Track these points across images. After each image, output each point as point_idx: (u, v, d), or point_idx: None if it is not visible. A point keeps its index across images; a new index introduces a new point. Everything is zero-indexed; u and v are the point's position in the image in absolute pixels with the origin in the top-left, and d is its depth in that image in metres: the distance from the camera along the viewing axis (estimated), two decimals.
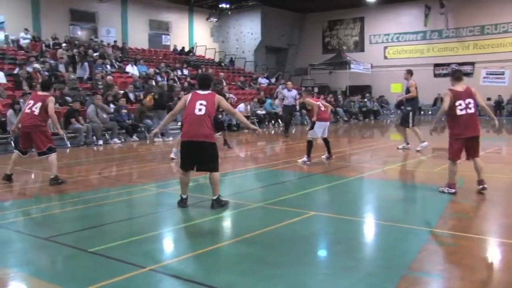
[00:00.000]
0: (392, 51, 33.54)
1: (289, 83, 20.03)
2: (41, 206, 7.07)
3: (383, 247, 4.97)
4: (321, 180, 9.05)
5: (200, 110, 6.28)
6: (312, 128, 10.67)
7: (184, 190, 6.59)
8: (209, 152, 6.37)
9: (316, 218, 6.04)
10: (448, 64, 30.92)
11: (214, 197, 6.48)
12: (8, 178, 8.68)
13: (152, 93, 18.12)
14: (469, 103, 7.08)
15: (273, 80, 30.92)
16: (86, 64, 20.81)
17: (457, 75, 7.37)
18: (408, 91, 12.88)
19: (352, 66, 31.46)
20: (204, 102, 6.31)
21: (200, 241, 5.23)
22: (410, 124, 12.92)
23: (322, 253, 4.99)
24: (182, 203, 6.57)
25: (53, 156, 8.58)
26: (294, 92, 18.32)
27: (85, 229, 5.63)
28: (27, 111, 8.46)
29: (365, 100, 29.53)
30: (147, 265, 4.33)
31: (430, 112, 31.72)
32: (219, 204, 6.46)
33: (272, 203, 6.81)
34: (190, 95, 6.53)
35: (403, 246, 4.94)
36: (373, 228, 5.81)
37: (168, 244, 5.34)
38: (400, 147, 13.07)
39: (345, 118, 26.84)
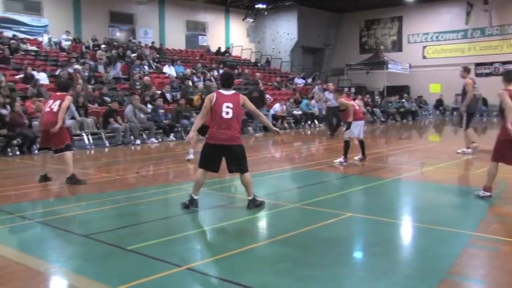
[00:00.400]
0: (431, 51, 32.87)
1: (330, 84, 19.91)
2: (81, 204, 7.23)
3: (422, 250, 4.86)
4: (358, 181, 8.94)
5: (227, 113, 6.25)
6: (348, 128, 10.57)
7: (197, 191, 6.48)
8: (238, 155, 6.37)
9: (353, 220, 5.97)
10: (491, 63, 30.10)
11: (250, 198, 6.47)
12: (45, 178, 8.79)
13: (200, 93, 18.39)
14: None
15: (309, 81, 30.78)
16: (118, 64, 21.14)
17: (510, 77, 7.03)
18: (464, 90, 12.04)
19: (389, 66, 30.96)
20: (230, 105, 6.28)
21: (236, 241, 5.24)
22: (465, 126, 11.94)
23: (358, 254, 4.92)
24: (194, 204, 6.44)
25: (68, 155, 8.62)
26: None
27: (123, 227, 5.72)
28: (47, 109, 8.59)
29: (403, 100, 29.03)
30: (183, 263, 4.36)
31: None
32: (254, 204, 6.45)
33: (309, 204, 6.77)
34: (214, 95, 6.41)
35: (442, 249, 4.81)
36: (411, 231, 5.70)
37: (204, 243, 5.36)
38: (465, 150, 11.91)
39: (382, 119, 26.47)
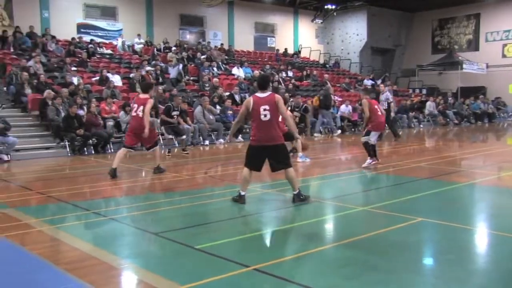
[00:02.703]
0: None
1: (382, 85, 19.13)
2: (151, 203, 7.43)
3: (498, 259, 4.60)
4: (429, 185, 8.60)
5: (265, 116, 6.52)
6: (367, 135, 10.21)
7: (245, 187, 6.84)
8: (281, 153, 6.71)
9: (424, 225, 5.75)
10: None
11: (295, 192, 6.76)
12: (114, 173, 9.33)
13: (318, 95, 19.44)
14: None
15: (379, 82, 30.11)
16: (179, 65, 21.53)
17: None
18: None
19: (464, 66, 29.70)
20: (267, 107, 6.51)
21: (304, 242, 5.20)
22: None
23: (429, 261, 4.73)
24: (242, 199, 6.79)
25: (157, 149, 9.83)
26: (385, 95, 17.09)
27: (191, 226, 5.82)
28: (134, 114, 9.47)
29: (477, 101, 27.75)
30: (250, 264, 4.37)
31: None
32: (299, 199, 6.74)
33: (377, 207, 6.60)
34: (251, 100, 6.67)
35: None
36: (487, 239, 5.41)
37: (272, 244, 5.35)
38: None
39: (456, 121, 25.46)
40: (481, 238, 5.43)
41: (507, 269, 4.27)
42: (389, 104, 16.88)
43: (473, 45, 33.00)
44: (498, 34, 31.75)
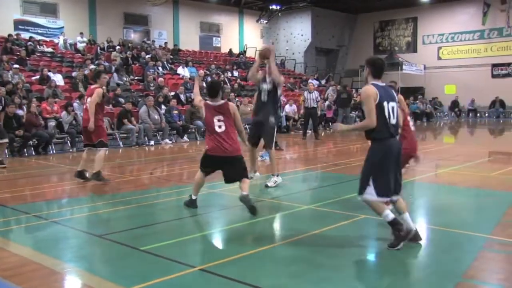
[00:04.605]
0: (446, 52, 32.62)
1: (311, 84, 19.04)
2: (95, 204, 7.28)
3: (436, 253, 4.82)
4: None
5: (219, 127, 6.27)
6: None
7: (196, 191, 6.60)
8: (237, 164, 6.38)
9: (367, 221, 5.92)
10: (509, 64, 29.84)
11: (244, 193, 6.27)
12: (81, 175, 8.84)
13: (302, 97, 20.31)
14: None
15: (323, 82, 30.69)
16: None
17: None
18: None
19: (404, 67, 30.73)
20: (221, 117, 6.29)
21: (250, 242, 5.25)
22: None
23: (371, 257, 4.89)
24: (193, 204, 6.58)
25: (101, 152, 8.71)
26: (315, 94, 17.56)
27: (137, 228, 5.74)
28: (84, 107, 8.91)
29: (417, 102, 28.80)
30: (197, 264, 4.37)
31: (486, 114, 30.67)
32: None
33: (322, 206, 6.74)
34: (203, 107, 6.40)
35: (457, 252, 4.77)
36: (425, 233, 5.63)
37: (218, 244, 5.37)
38: None
39: None
40: (420, 233, 5.64)
41: (444, 261, 4.47)
42: (317, 102, 17.23)
43: (412, 47, 34.21)
44: (434, 37, 33.09)
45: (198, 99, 6.77)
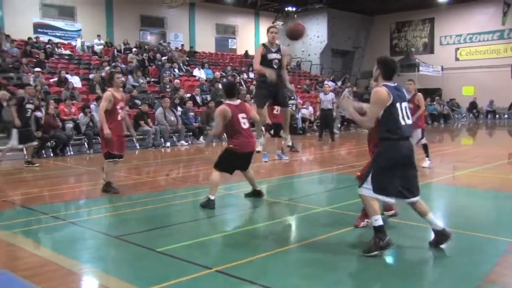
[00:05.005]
0: (464, 52, 32.27)
1: (327, 85, 18.87)
2: (112, 206, 7.33)
3: (455, 256, 4.74)
4: None
5: (244, 124, 6.73)
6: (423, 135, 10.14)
7: (214, 191, 6.75)
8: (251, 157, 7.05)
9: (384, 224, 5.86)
10: None
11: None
12: (108, 187, 8.03)
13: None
14: None
15: (339, 83, 30.56)
16: None
17: None
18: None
19: (421, 68, 30.49)
20: (244, 115, 6.75)
21: (265, 244, 5.24)
22: None
23: (389, 259, 4.84)
24: (211, 204, 6.67)
25: (106, 164, 8.01)
26: (330, 96, 17.29)
27: (153, 229, 5.77)
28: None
29: (434, 103, 28.54)
30: (213, 266, 4.38)
31: (506, 116, 30.25)
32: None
33: (338, 208, 6.71)
34: (228, 109, 6.65)
35: (477, 256, 4.70)
36: None
37: (234, 246, 5.36)
38: None
39: None
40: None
41: (464, 264, 4.42)
42: (333, 104, 17.10)
43: (429, 48, 33.91)
44: (451, 38, 32.74)
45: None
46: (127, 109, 8.32)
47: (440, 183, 8.94)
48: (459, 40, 32.43)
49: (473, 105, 30.35)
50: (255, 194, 7.26)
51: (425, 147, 10.28)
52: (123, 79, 9.30)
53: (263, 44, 8.47)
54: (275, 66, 8.20)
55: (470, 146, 17.11)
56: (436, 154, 13.37)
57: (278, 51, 8.35)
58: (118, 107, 7.84)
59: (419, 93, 10.27)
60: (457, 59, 32.51)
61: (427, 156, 10.25)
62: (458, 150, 14.61)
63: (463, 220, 6.16)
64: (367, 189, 4.71)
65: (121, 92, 8.25)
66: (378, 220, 4.64)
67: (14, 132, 11.45)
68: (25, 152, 12.07)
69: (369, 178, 4.69)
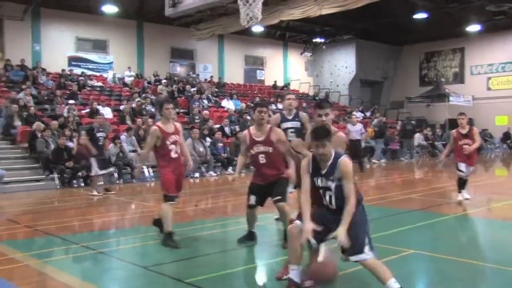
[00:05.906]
0: (496, 82, 31.76)
1: (354, 116, 18.92)
2: (141, 236, 7.34)
3: None
4: (420, 216, 8.60)
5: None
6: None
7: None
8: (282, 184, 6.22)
9: (416, 257, 5.74)
10: None
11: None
12: (157, 223, 7.10)
13: (372, 126, 22.32)
14: None
15: (368, 114, 30.43)
16: None
17: None
18: None
19: (451, 98, 30.08)
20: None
21: None
22: None
23: None
24: (252, 237, 6.41)
25: (163, 206, 6.81)
26: (359, 126, 17.41)
27: (181, 260, 5.75)
28: None
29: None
30: None
31: None
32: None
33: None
34: (247, 136, 6.29)
35: None
36: (478, 270, 5.39)
37: (261, 278, 5.30)
38: None
39: None
40: (473, 270, 5.41)
41: None
42: (361, 135, 16.99)
43: (459, 78, 33.53)
44: (482, 67, 32.33)
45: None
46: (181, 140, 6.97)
47: (474, 215, 8.70)
48: (491, 70, 31.98)
49: (506, 135, 29.71)
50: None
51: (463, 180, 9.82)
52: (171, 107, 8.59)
53: (280, 111, 7.92)
54: (291, 135, 7.37)
55: (505, 178, 16.68)
56: (470, 185, 13.07)
57: (296, 117, 7.58)
58: (168, 142, 6.66)
59: (475, 128, 9.88)
60: (489, 89, 32.01)
61: (464, 188, 9.91)
62: (493, 182, 14.25)
63: (499, 254, 5.96)
64: (370, 254, 4.21)
65: (172, 123, 6.91)
66: (396, 283, 4.04)
67: (93, 161, 11.81)
68: (102, 180, 12.36)
69: (367, 240, 4.22)
